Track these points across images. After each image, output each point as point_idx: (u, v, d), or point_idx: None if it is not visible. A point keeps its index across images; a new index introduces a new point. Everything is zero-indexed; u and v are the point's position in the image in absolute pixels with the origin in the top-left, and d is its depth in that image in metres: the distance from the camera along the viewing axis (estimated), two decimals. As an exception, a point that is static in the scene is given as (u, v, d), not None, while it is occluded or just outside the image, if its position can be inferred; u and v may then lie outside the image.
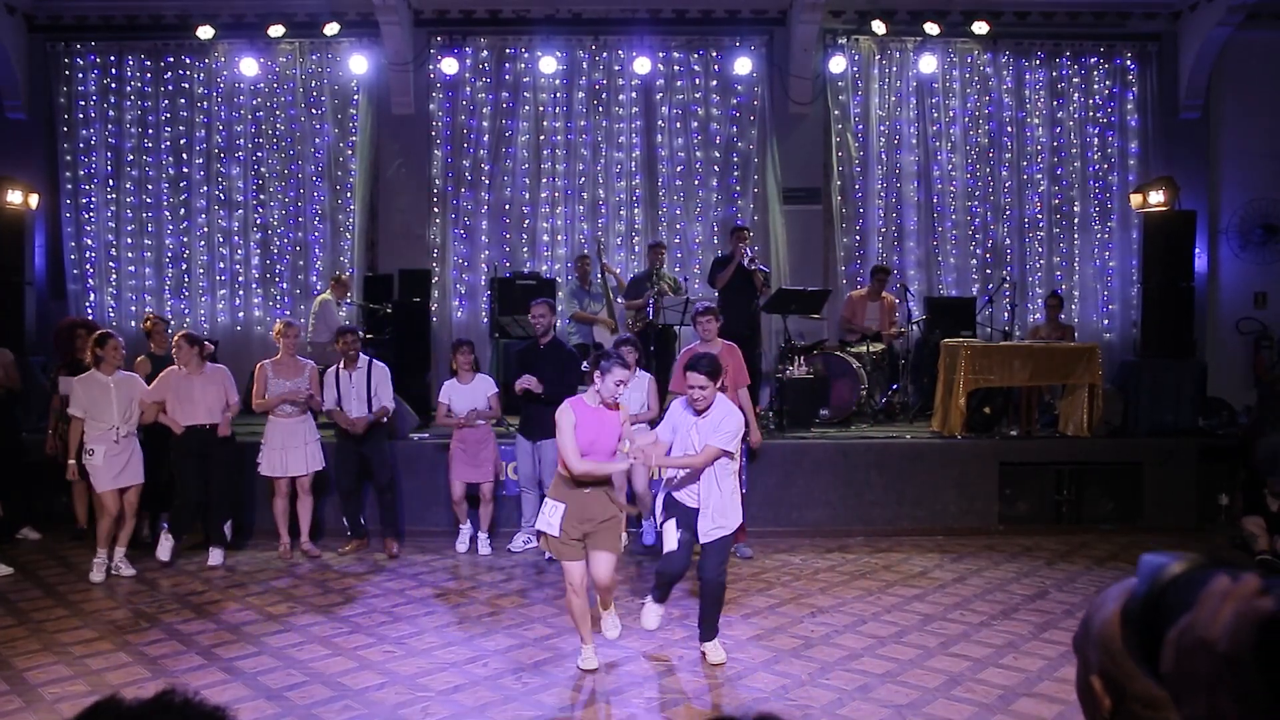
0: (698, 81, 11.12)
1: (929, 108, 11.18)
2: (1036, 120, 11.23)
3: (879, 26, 10.59)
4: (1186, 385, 9.04)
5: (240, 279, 11.19)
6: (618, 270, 10.28)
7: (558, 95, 11.07)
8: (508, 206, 11.08)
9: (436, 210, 11.12)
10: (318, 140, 11.15)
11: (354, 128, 11.13)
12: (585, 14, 10.94)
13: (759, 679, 5.02)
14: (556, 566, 7.12)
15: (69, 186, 11.07)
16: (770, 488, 8.12)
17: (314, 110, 11.15)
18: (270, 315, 10.98)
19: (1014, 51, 11.18)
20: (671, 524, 5.11)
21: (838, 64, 10.74)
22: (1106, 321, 11.30)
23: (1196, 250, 9.75)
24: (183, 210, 11.17)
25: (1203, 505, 8.45)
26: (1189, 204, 10.06)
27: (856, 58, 11.11)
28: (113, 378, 6.83)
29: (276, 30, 10.47)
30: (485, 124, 11.08)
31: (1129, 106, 11.23)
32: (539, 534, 5.03)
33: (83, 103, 11.10)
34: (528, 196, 11.07)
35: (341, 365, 7.52)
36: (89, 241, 11.14)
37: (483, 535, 7.62)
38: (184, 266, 11.18)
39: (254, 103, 11.12)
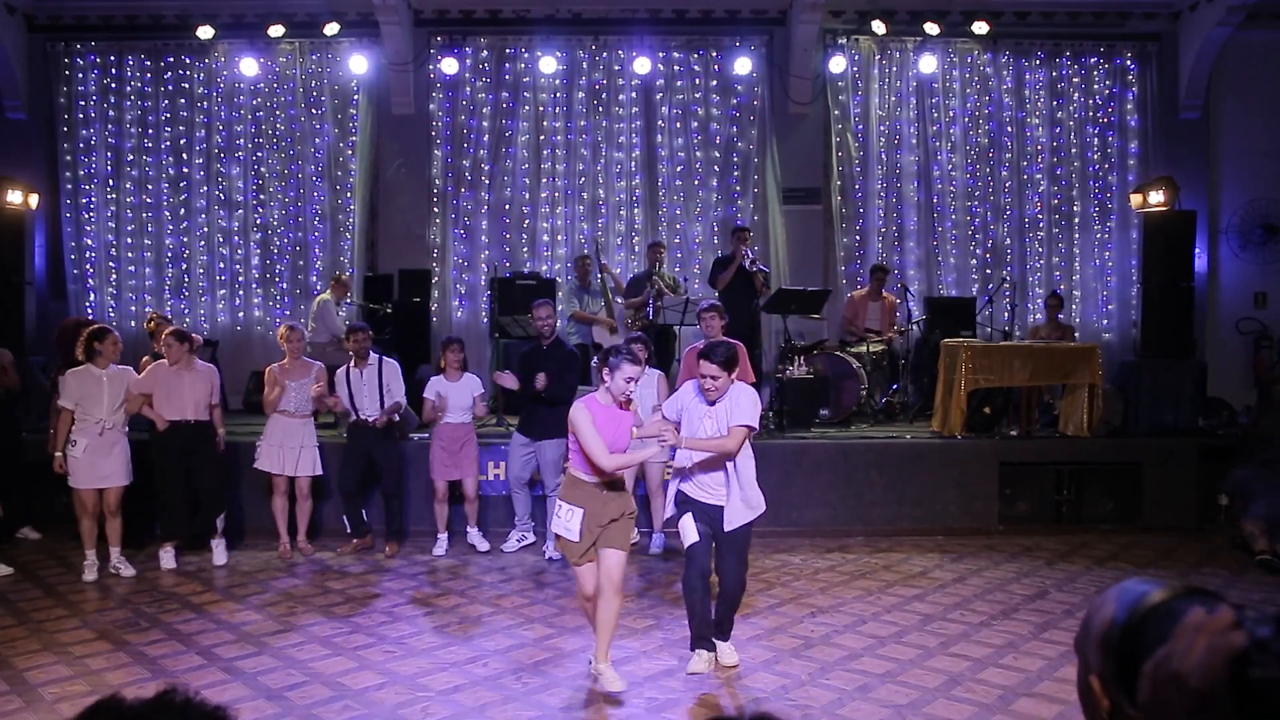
0: (698, 81, 11.13)
1: (929, 108, 11.18)
2: (1036, 120, 11.23)
3: (879, 26, 10.59)
4: (1186, 385, 9.04)
5: (240, 279, 11.19)
6: (616, 271, 10.28)
7: (558, 95, 11.07)
8: (508, 206, 11.09)
9: (436, 210, 11.13)
10: (318, 140, 11.15)
11: (354, 128, 11.13)
12: (585, 14, 10.94)
13: (759, 679, 5.02)
14: (556, 566, 7.14)
15: (69, 186, 11.07)
16: (770, 488, 8.04)
17: (314, 110, 11.15)
18: (270, 315, 10.99)
19: (1014, 51, 11.18)
20: (689, 517, 4.87)
21: (838, 64, 10.75)
22: (1106, 321, 11.31)
23: (1196, 250, 9.76)
24: (183, 210, 11.17)
25: (1203, 505, 8.45)
26: (1189, 204, 10.06)
27: (856, 58, 11.11)
28: (106, 372, 6.81)
29: (276, 30, 10.48)
30: (485, 124, 11.08)
31: (1129, 106, 11.23)
32: (557, 536, 4.87)
33: (83, 103, 11.10)
34: (528, 196, 11.08)
35: (352, 364, 7.54)
36: (89, 241, 11.14)
37: (473, 529, 7.64)
38: (184, 266, 11.18)
39: (254, 103, 11.13)
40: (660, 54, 10.94)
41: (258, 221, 11.19)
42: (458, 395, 7.50)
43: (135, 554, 7.17)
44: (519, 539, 7.59)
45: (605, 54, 11.05)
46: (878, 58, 11.18)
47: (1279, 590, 6.60)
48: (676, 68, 11.09)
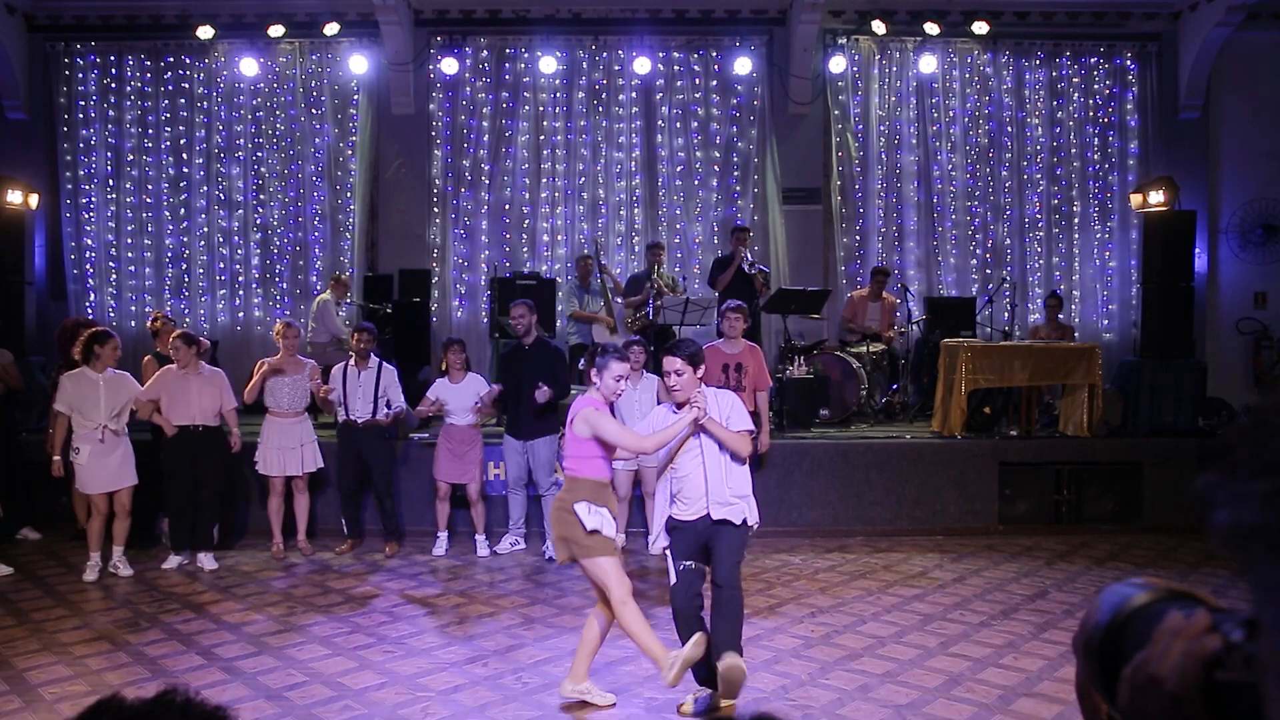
0: (698, 81, 11.13)
1: (929, 108, 11.18)
2: (1036, 120, 11.23)
3: (879, 26, 10.59)
4: (1186, 385, 9.04)
5: (240, 279, 11.18)
6: (616, 271, 10.28)
7: (558, 95, 11.07)
8: (508, 206, 11.09)
9: (436, 210, 11.13)
10: (318, 140, 11.15)
11: (354, 128, 11.13)
12: (585, 14, 10.94)
13: (759, 679, 5.01)
14: (555, 567, 7.13)
15: (69, 186, 11.07)
16: (770, 488, 8.11)
17: (314, 110, 11.15)
18: (270, 315, 10.98)
19: (1014, 51, 11.18)
20: (667, 555, 4.62)
21: (838, 64, 10.75)
22: (1106, 321, 11.30)
23: (1196, 250, 9.75)
24: (183, 210, 11.16)
25: (1199, 508, 8.42)
26: (1189, 204, 10.06)
27: (856, 58, 11.11)
28: (103, 376, 6.79)
29: (276, 30, 10.48)
30: (485, 124, 11.08)
31: (1129, 106, 11.23)
32: (591, 532, 4.46)
33: (83, 103, 11.10)
34: (528, 196, 11.08)
35: (352, 362, 7.53)
36: (89, 241, 11.14)
37: (479, 537, 7.59)
38: (184, 266, 11.17)
39: (254, 103, 11.13)
40: (660, 54, 10.93)
41: (258, 221, 11.18)
42: (462, 396, 7.47)
43: (135, 554, 7.17)
44: (512, 542, 7.59)
45: (605, 54, 11.05)
46: (878, 58, 11.18)
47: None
48: (676, 68, 11.09)
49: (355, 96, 11.12)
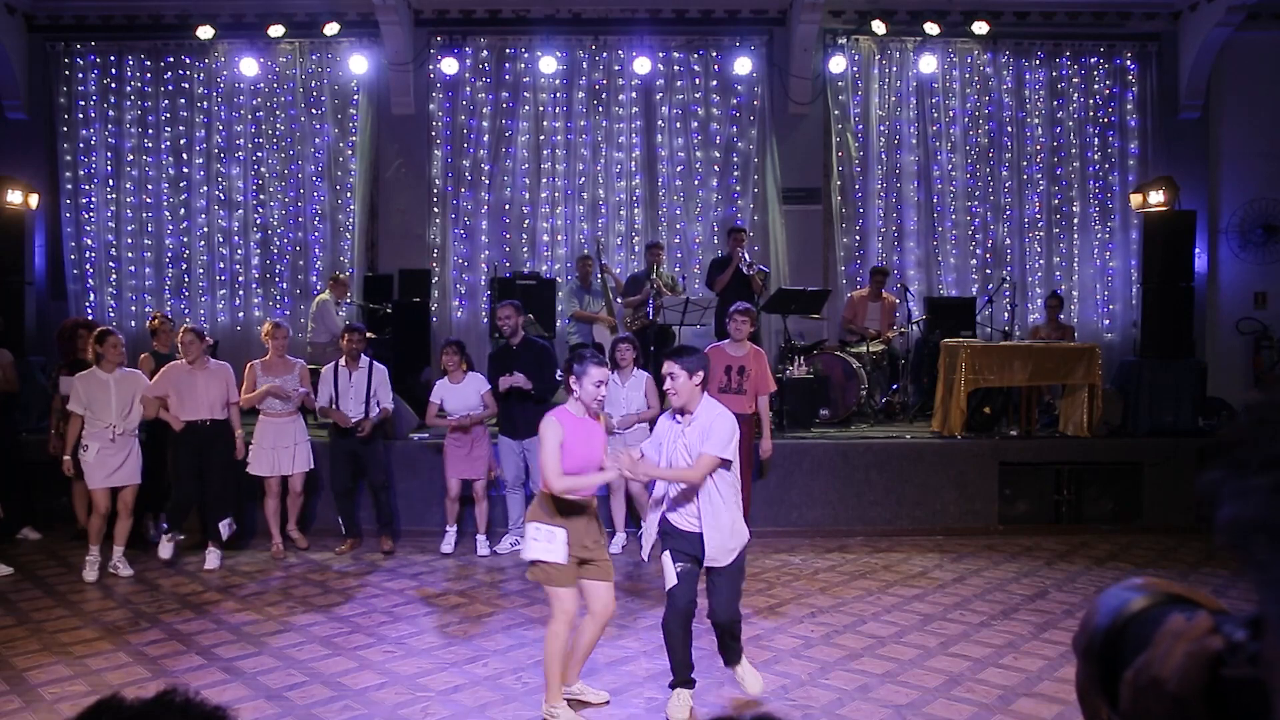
0: (698, 81, 11.12)
1: (929, 108, 11.18)
2: (1036, 120, 11.23)
3: (879, 26, 10.59)
4: (1186, 385, 9.04)
5: (240, 279, 11.18)
6: (616, 271, 10.28)
7: (558, 95, 11.07)
8: (508, 206, 11.09)
9: (436, 210, 11.13)
10: (318, 140, 11.15)
11: (354, 128, 11.13)
12: (585, 14, 10.94)
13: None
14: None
15: (69, 186, 11.07)
16: (770, 488, 8.12)
17: (314, 110, 11.15)
18: (270, 315, 10.96)
19: (1014, 51, 11.18)
20: (668, 556, 4.47)
21: (838, 64, 10.75)
22: (1106, 321, 11.30)
23: (1196, 250, 9.75)
24: (183, 210, 11.17)
25: (1202, 505, 8.44)
26: (1189, 204, 10.06)
27: (856, 58, 11.11)
28: (113, 375, 6.81)
29: (276, 30, 10.48)
30: (485, 124, 11.08)
31: (1129, 106, 11.23)
32: (534, 563, 4.41)
33: (83, 103, 11.10)
34: (528, 196, 11.08)
35: (342, 363, 7.53)
36: (89, 241, 11.14)
37: (480, 536, 7.61)
38: (184, 266, 11.17)
39: (254, 103, 11.12)
40: (660, 54, 10.93)
41: (258, 221, 11.18)
42: (463, 396, 7.48)
43: (135, 554, 7.17)
44: (512, 542, 7.59)
45: (605, 54, 11.04)
46: (878, 58, 11.18)
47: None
48: (676, 68, 11.09)
49: (355, 96, 11.12)
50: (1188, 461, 8.46)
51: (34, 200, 10.14)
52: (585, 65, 11.08)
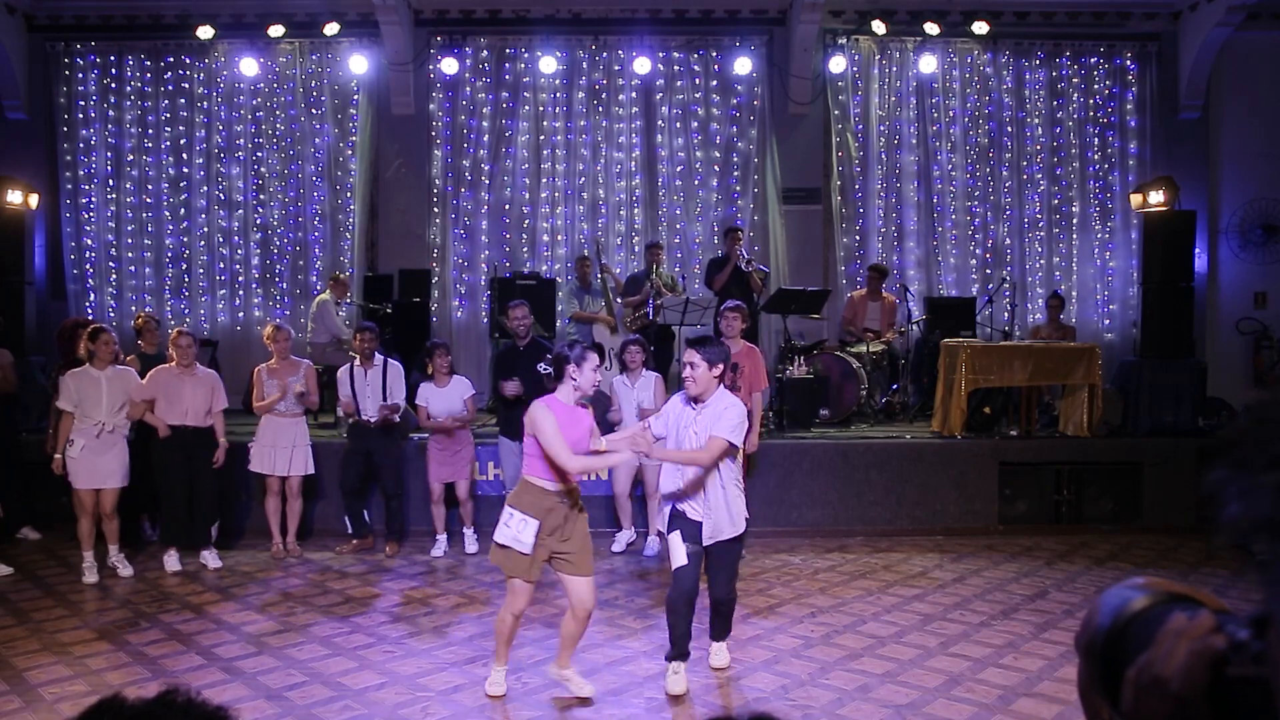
0: (698, 81, 11.13)
1: (929, 108, 11.18)
2: (1036, 120, 11.23)
3: (879, 26, 10.59)
4: (1186, 385, 9.04)
5: (240, 279, 11.18)
6: (616, 271, 10.28)
7: (558, 95, 11.07)
8: (508, 206, 11.09)
9: (436, 210, 11.13)
10: (318, 140, 11.15)
11: (354, 128, 11.13)
12: (585, 14, 10.94)
13: (759, 679, 5.02)
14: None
15: (69, 186, 11.07)
16: (770, 488, 8.12)
17: (314, 110, 11.15)
18: (270, 315, 10.98)
19: (1014, 51, 11.18)
20: (677, 535, 4.66)
21: (838, 64, 10.75)
22: (1106, 321, 11.30)
23: (1196, 250, 9.75)
24: (183, 210, 11.16)
25: (1202, 505, 8.44)
26: (1189, 204, 10.06)
27: (856, 58, 11.11)
28: (105, 373, 6.77)
29: (276, 30, 10.47)
30: (485, 124, 11.08)
31: (1129, 106, 11.23)
32: (497, 546, 4.52)
33: (83, 103, 11.10)
34: (528, 196, 11.08)
35: (357, 363, 7.54)
36: (89, 241, 11.14)
37: (468, 531, 7.63)
38: (184, 266, 11.17)
39: (254, 103, 11.12)
40: (660, 54, 10.93)
41: (258, 221, 11.18)
42: (447, 400, 7.48)
43: (134, 554, 7.16)
44: None
45: (605, 54, 11.04)
46: (878, 58, 11.18)
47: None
48: (676, 68, 11.09)
49: (355, 96, 11.11)
50: (1188, 461, 8.46)
51: (34, 200, 10.14)
52: (585, 65, 11.07)
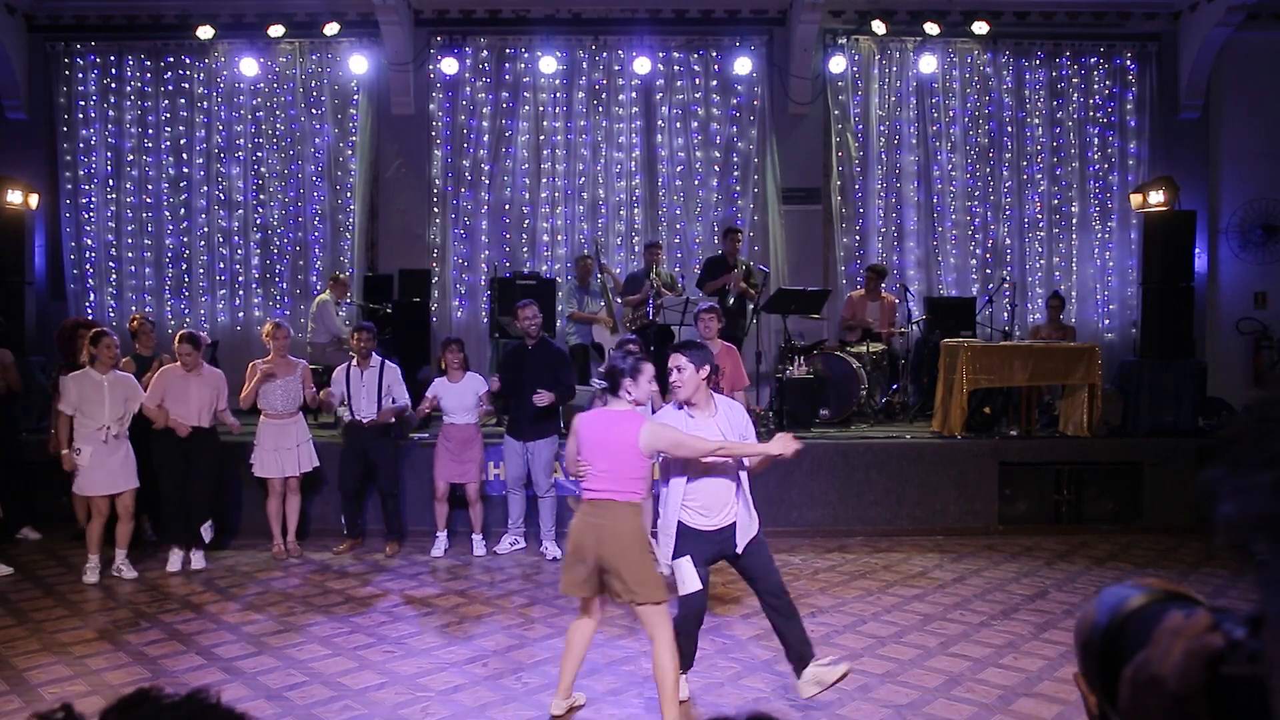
0: (698, 81, 11.13)
1: (929, 108, 11.18)
2: (1036, 120, 11.23)
3: (879, 26, 10.59)
4: (1186, 385, 9.04)
5: (240, 279, 11.18)
6: (616, 271, 10.28)
7: (558, 95, 11.07)
8: (508, 206, 11.09)
9: (436, 210, 11.13)
10: (318, 140, 11.14)
11: (354, 128, 11.13)
12: (585, 14, 10.94)
13: (759, 679, 5.02)
14: (554, 566, 7.11)
15: (69, 186, 11.07)
16: (770, 488, 8.11)
17: (314, 110, 11.15)
18: (270, 315, 10.97)
19: (1014, 51, 11.18)
20: (687, 561, 4.37)
21: (838, 64, 10.75)
22: (1106, 321, 11.30)
23: (1196, 250, 9.75)
24: (183, 210, 11.16)
25: (1201, 505, 8.42)
26: (1189, 204, 10.06)
27: (856, 58, 11.11)
28: (107, 377, 6.75)
29: (276, 30, 10.48)
30: (485, 124, 11.08)
31: (1129, 106, 11.23)
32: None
33: (83, 103, 11.10)
34: (528, 196, 11.08)
35: (354, 363, 7.53)
36: (89, 241, 11.13)
37: (476, 536, 7.60)
38: (184, 266, 11.17)
39: (254, 103, 11.12)
40: (660, 54, 10.93)
41: (258, 221, 11.18)
42: (460, 395, 7.47)
43: (134, 555, 7.16)
44: (511, 542, 7.59)
45: (605, 54, 11.04)
46: (878, 58, 11.18)
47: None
48: (676, 68, 11.09)
49: (355, 96, 11.11)
50: (1188, 461, 8.46)
51: (34, 200, 10.14)
52: (585, 65, 11.07)
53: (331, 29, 10.50)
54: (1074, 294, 11.23)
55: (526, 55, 10.96)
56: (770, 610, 4.62)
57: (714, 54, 11.07)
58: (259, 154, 11.17)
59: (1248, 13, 10.27)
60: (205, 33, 10.40)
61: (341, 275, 10.28)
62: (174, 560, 7.04)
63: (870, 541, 7.94)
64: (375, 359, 7.56)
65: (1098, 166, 11.29)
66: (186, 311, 11.06)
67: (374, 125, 11.05)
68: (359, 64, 10.60)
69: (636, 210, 11.12)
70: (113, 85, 11.10)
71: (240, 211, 11.17)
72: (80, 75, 11.10)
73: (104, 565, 6.84)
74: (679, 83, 11.09)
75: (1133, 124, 11.23)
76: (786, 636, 4.61)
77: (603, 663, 5.22)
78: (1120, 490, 8.51)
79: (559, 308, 10.11)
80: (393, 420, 7.59)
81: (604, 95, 11.09)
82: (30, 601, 6.34)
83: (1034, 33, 11.11)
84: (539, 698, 4.75)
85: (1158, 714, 0.74)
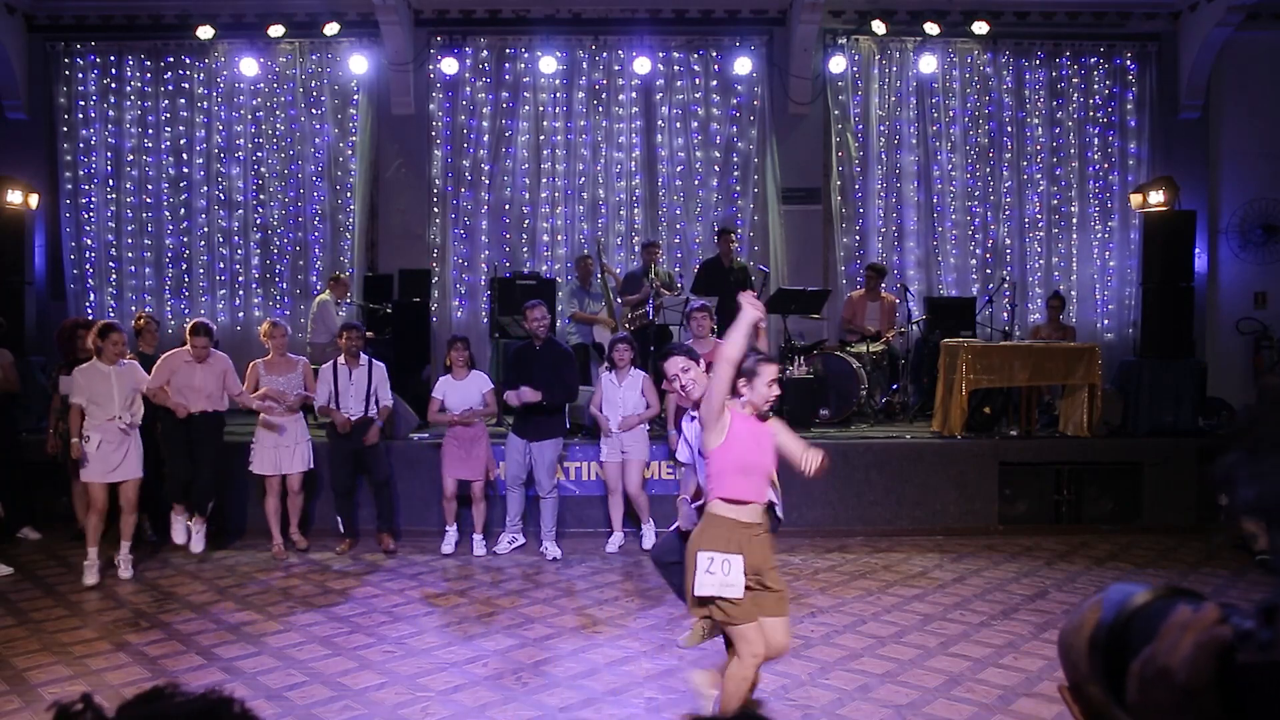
0: (698, 81, 11.13)
1: (929, 108, 11.18)
2: (1036, 120, 11.23)
3: (879, 26, 10.59)
4: (1186, 385, 9.04)
5: (240, 279, 11.19)
6: (616, 270, 10.28)
7: (558, 95, 11.07)
8: (508, 206, 11.09)
9: (436, 210, 11.13)
10: (318, 140, 11.15)
11: (354, 128, 11.13)
12: (585, 14, 10.94)
13: (759, 679, 5.01)
14: (555, 567, 7.12)
15: (69, 186, 11.07)
16: (770, 488, 8.10)
17: (314, 110, 11.15)
18: (270, 315, 10.96)
19: (1014, 51, 11.18)
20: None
21: (838, 64, 10.75)
22: (1106, 321, 11.30)
23: (1196, 250, 9.75)
24: (183, 210, 11.17)
25: (1202, 505, 8.45)
26: (1189, 204, 10.06)
27: (856, 58, 11.11)
28: (113, 368, 6.75)
29: (276, 30, 10.48)
30: (485, 124, 11.08)
31: (1129, 106, 11.23)
32: (703, 600, 3.84)
33: (83, 103, 11.11)
34: (528, 196, 11.08)
35: (341, 361, 7.52)
36: (89, 241, 11.14)
37: (478, 536, 7.60)
38: (184, 266, 11.18)
39: (254, 103, 11.13)
40: (660, 54, 10.94)
41: (258, 221, 11.19)
42: (465, 394, 7.47)
43: (136, 555, 7.15)
44: (510, 540, 7.59)
45: (605, 54, 11.05)
46: (878, 58, 11.18)
47: None
48: (676, 68, 11.09)
49: (355, 96, 11.12)
50: (1188, 461, 8.47)
51: (34, 200, 10.14)
52: (585, 65, 11.08)
53: (331, 29, 10.50)
54: (1074, 294, 11.23)
55: (526, 55, 10.96)
56: None
57: (714, 54, 11.07)
58: (259, 154, 11.17)
59: (1248, 13, 10.27)
60: (205, 33, 10.40)
61: (341, 275, 10.28)
62: (178, 528, 7.11)
63: (870, 541, 7.94)
64: (364, 359, 7.56)
65: (1098, 166, 11.29)
66: (187, 311, 11.06)
67: (374, 125, 11.05)
68: (359, 64, 10.60)
69: (636, 210, 11.12)
70: (113, 85, 11.11)
71: (240, 211, 11.17)
72: (80, 75, 11.10)
73: (104, 565, 6.82)
74: (679, 83, 11.10)
75: (1133, 124, 11.23)
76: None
77: (603, 663, 5.22)
78: (1120, 490, 8.51)
79: (559, 308, 10.11)
80: (379, 423, 7.57)
81: (604, 95, 11.09)
82: (30, 601, 6.34)
83: (1034, 33, 11.11)
84: (539, 698, 4.75)
85: (1167, 707, 0.74)
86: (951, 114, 11.20)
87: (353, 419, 7.45)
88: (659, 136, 11.10)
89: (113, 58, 11.11)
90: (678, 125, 11.10)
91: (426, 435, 8.42)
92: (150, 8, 10.88)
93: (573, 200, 11.11)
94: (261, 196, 11.19)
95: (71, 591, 6.56)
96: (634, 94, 11.09)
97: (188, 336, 7.15)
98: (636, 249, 10.88)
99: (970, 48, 11.12)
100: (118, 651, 5.39)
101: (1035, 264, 11.32)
